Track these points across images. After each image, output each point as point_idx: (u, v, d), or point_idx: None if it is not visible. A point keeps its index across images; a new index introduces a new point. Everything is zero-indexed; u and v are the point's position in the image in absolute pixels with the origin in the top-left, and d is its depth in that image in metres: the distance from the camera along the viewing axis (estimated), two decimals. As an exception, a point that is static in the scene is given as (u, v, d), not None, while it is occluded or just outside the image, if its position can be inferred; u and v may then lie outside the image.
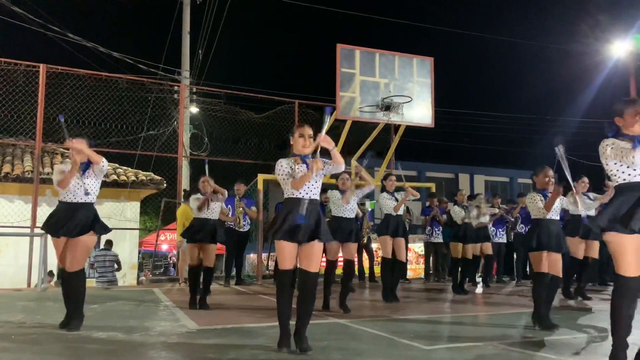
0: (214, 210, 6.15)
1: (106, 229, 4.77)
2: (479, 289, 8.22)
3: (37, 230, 8.36)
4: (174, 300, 6.63)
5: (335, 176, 6.10)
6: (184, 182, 11.26)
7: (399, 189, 7.05)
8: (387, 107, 10.11)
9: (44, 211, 7.76)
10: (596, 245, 7.06)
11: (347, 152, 10.86)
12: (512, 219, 9.91)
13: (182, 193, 9.89)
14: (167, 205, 11.77)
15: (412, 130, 11.56)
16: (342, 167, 3.77)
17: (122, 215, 11.74)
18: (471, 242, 7.99)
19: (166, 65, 14.27)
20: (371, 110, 10.15)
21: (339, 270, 6.98)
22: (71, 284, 4.49)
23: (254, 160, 11.73)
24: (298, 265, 3.76)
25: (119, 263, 10.32)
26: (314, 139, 3.85)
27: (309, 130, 3.80)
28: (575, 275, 7.27)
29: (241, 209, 8.95)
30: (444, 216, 9.94)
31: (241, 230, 9.07)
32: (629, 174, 3.17)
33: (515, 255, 10.43)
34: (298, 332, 3.61)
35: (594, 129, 18.40)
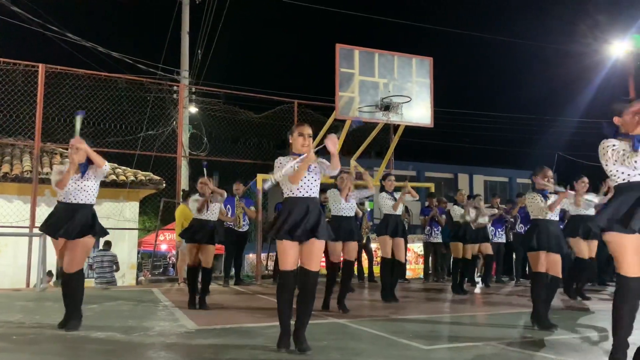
0: (213, 211, 6.15)
1: (105, 232, 4.76)
2: (478, 289, 8.22)
3: (36, 231, 8.35)
4: (173, 300, 6.63)
5: (335, 176, 6.10)
6: (183, 182, 11.25)
7: (398, 189, 7.06)
8: (386, 107, 10.12)
9: (43, 211, 7.76)
10: (595, 245, 7.06)
11: (346, 152, 10.87)
12: (512, 219, 9.91)
13: (181, 193, 9.88)
14: (166, 205, 11.76)
15: (411, 130, 11.57)
16: (336, 172, 3.79)
17: (121, 215, 11.73)
18: (471, 242, 8.00)
19: (165, 65, 14.26)
20: (370, 110, 10.15)
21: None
22: (70, 284, 4.48)
23: (253, 160, 11.73)
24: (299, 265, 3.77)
25: (117, 264, 10.31)
26: (314, 139, 3.86)
27: (308, 130, 3.80)
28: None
29: (241, 208, 8.95)
30: (443, 216, 9.95)
31: (240, 230, 9.07)
32: (629, 174, 3.18)
33: (514, 255, 10.44)
34: (297, 332, 3.60)
35: (593, 129, 18.41)
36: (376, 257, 10.42)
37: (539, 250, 4.73)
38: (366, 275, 10.24)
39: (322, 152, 3.75)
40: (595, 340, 4.16)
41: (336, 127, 10.61)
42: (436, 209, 10.06)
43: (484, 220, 8.44)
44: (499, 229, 9.99)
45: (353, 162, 11.03)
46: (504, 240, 10.14)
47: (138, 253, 14.99)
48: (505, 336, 4.33)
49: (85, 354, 3.65)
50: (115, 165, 12.13)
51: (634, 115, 3.22)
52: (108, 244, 10.33)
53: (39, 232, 6.05)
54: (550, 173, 4.90)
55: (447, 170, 30.27)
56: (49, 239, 4.79)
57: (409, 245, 11.20)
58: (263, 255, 11.50)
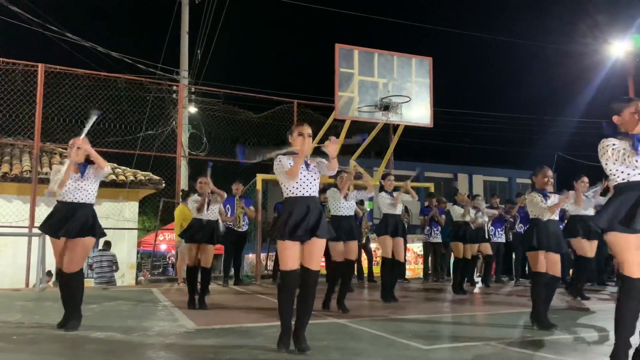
0: (213, 211, 6.14)
1: (103, 233, 4.76)
2: (477, 289, 8.22)
3: (36, 230, 8.35)
4: (172, 300, 6.63)
5: (334, 176, 6.10)
6: (183, 182, 11.25)
7: (397, 189, 7.06)
8: (386, 107, 10.12)
9: (42, 211, 7.75)
10: (595, 244, 7.06)
11: (346, 152, 10.86)
12: (511, 219, 9.91)
13: (180, 193, 9.88)
14: (165, 205, 11.76)
15: (411, 130, 11.57)
16: (334, 172, 3.82)
17: (120, 215, 11.72)
18: (471, 242, 8.00)
19: (165, 65, 14.27)
20: (370, 110, 10.16)
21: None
22: (70, 284, 4.48)
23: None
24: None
25: (116, 264, 10.31)
26: (313, 139, 3.87)
27: (308, 129, 3.80)
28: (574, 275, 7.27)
29: (241, 208, 8.95)
30: (443, 216, 9.95)
31: (240, 230, 9.06)
32: (628, 173, 3.17)
33: (514, 255, 10.44)
34: (297, 332, 3.60)
35: (593, 129, 18.44)
36: (376, 257, 10.43)
37: (539, 250, 4.73)
38: (366, 275, 10.24)
39: (321, 152, 3.76)
40: (594, 340, 4.16)
41: (335, 127, 10.62)
42: (436, 209, 10.06)
43: (483, 220, 8.44)
44: (499, 229, 9.99)
45: (353, 162, 11.03)
46: (504, 240, 10.14)
47: (137, 253, 14.98)
48: (504, 336, 4.33)
49: (84, 354, 3.65)
50: (115, 165, 12.12)
51: (633, 114, 3.21)
52: (107, 244, 10.33)
53: (39, 232, 6.04)
54: (550, 173, 4.90)
55: (446, 170, 30.28)
56: (48, 239, 4.78)
57: (408, 245, 11.21)
58: (262, 255, 11.50)
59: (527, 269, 10.17)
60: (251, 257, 19.02)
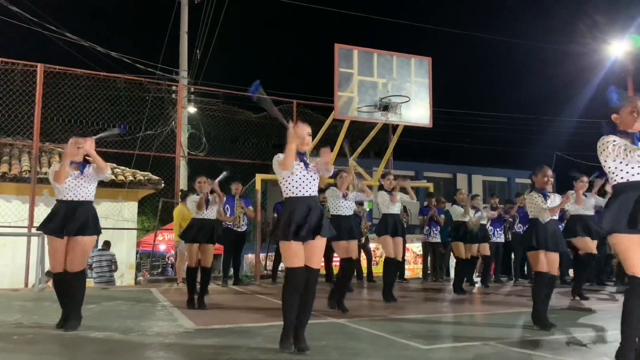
0: (213, 211, 6.14)
1: (99, 231, 4.75)
2: (476, 289, 8.22)
3: (35, 230, 8.34)
4: (171, 300, 6.62)
5: (334, 176, 6.10)
6: (182, 182, 11.25)
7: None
8: (385, 107, 10.12)
9: (42, 211, 7.75)
10: (595, 244, 7.06)
11: (345, 153, 10.84)
12: (510, 219, 9.91)
13: (179, 193, 9.88)
14: (165, 205, 11.75)
15: (410, 130, 11.58)
16: (331, 173, 3.85)
17: (119, 215, 11.71)
18: (471, 242, 7.99)
19: (164, 65, 14.26)
20: (369, 110, 10.16)
21: (337, 270, 6.96)
22: (73, 284, 4.47)
23: (252, 160, 11.72)
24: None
25: (115, 263, 10.30)
26: (313, 138, 3.87)
27: (307, 129, 3.81)
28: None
29: (240, 208, 8.94)
30: (442, 216, 9.95)
31: (239, 230, 9.06)
32: (627, 172, 3.17)
33: (513, 255, 10.43)
34: (297, 332, 3.60)
35: (592, 129, 18.43)
36: (375, 257, 10.43)
37: (539, 250, 4.73)
38: (365, 275, 10.24)
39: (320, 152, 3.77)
40: (594, 340, 4.16)
41: (335, 127, 10.62)
42: (435, 209, 10.06)
43: (483, 220, 8.43)
44: (498, 229, 9.98)
45: (352, 162, 11.03)
46: (503, 240, 10.14)
47: (137, 253, 14.97)
48: (504, 336, 4.33)
49: (83, 354, 3.64)
50: (114, 165, 12.11)
51: (632, 113, 3.21)
52: (107, 244, 10.32)
53: (38, 232, 6.03)
54: (550, 172, 4.90)
55: (446, 170, 30.26)
56: (47, 239, 4.77)
57: (407, 245, 11.20)
58: (262, 255, 11.50)
59: (526, 269, 10.18)
60: (250, 257, 19.00)
